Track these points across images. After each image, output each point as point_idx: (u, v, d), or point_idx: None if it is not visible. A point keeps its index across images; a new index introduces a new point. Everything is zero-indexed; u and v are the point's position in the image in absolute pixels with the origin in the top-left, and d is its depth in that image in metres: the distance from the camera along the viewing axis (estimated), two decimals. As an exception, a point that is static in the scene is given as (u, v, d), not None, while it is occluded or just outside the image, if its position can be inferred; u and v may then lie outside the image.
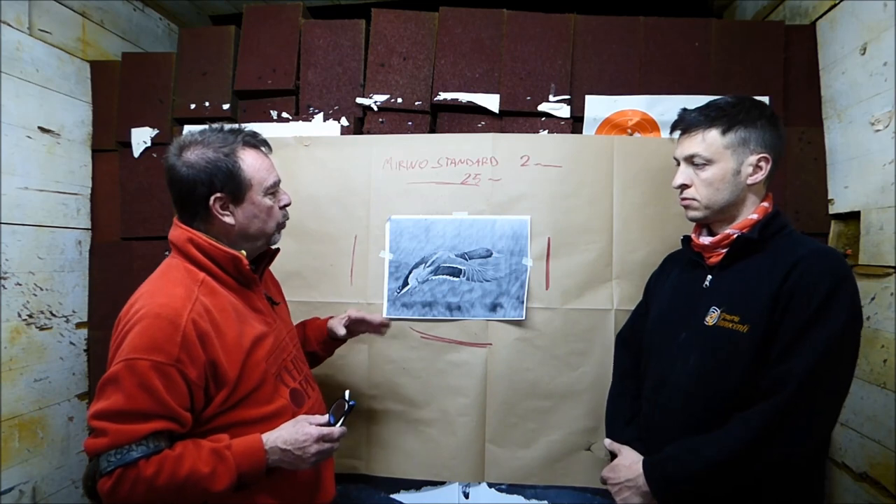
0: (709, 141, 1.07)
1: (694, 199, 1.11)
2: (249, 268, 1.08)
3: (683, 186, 1.12)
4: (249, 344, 1.04)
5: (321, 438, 1.02)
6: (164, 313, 0.95)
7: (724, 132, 1.06)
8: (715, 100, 1.10)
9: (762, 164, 1.06)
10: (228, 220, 1.06)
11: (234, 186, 1.05)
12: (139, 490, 0.90)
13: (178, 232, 1.07)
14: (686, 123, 1.11)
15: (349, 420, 1.11)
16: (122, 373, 0.91)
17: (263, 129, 1.70)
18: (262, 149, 1.12)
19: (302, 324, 1.44)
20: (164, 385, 0.91)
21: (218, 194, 1.04)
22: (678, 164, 1.14)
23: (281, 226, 1.16)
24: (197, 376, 0.95)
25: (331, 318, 1.42)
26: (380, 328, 1.42)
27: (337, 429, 1.06)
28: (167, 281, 1.02)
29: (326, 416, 1.07)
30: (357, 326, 1.40)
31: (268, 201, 1.10)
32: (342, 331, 1.37)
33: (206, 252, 1.04)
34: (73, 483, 1.79)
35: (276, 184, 1.12)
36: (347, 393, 1.13)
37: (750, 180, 1.06)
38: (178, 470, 0.91)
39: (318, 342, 1.39)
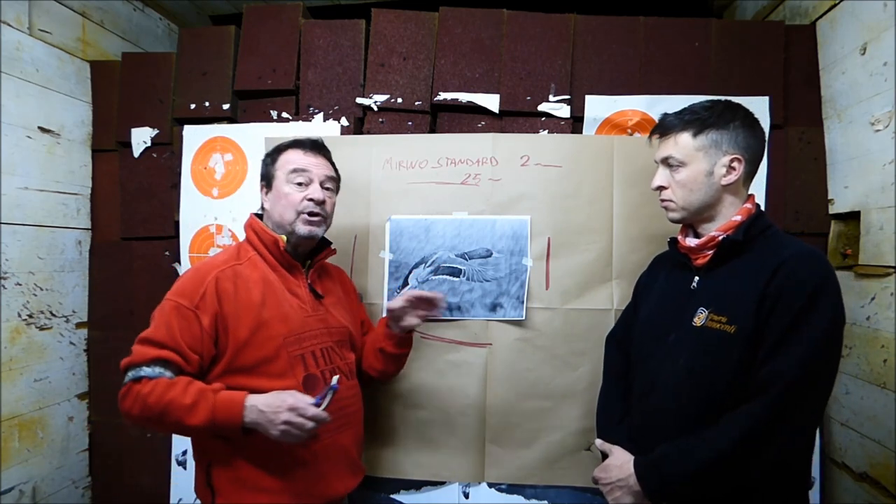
0: (681, 144, 1.10)
1: (671, 201, 1.14)
2: (290, 253, 1.24)
3: (661, 188, 1.15)
4: (267, 316, 1.15)
5: (294, 409, 1.04)
6: (200, 268, 1.18)
7: (695, 135, 1.09)
8: (693, 104, 1.13)
9: (735, 164, 1.07)
10: (266, 204, 1.27)
11: (267, 175, 1.27)
12: (137, 405, 1.06)
13: (247, 219, 1.28)
14: (663, 127, 1.14)
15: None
16: (158, 309, 1.14)
17: (263, 129, 1.72)
18: (303, 148, 1.27)
19: (379, 323, 1.41)
20: (179, 324, 1.10)
21: (262, 182, 1.28)
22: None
23: (301, 215, 1.22)
24: (208, 324, 1.11)
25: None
26: (430, 304, 1.30)
27: (312, 408, 1.05)
28: (221, 252, 1.26)
29: (313, 398, 1.08)
30: (406, 312, 1.31)
31: (287, 188, 1.23)
32: (398, 303, 1.28)
33: (257, 233, 1.24)
34: (73, 483, 1.79)
35: (296, 170, 1.23)
36: (336, 379, 1.12)
37: (724, 181, 1.08)
38: (165, 394, 1.05)
39: (385, 336, 1.35)
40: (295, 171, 1.23)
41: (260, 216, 1.30)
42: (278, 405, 1.05)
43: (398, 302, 1.29)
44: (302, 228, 1.23)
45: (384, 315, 1.38)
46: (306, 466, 1.17)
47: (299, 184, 1.23)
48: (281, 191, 1.23)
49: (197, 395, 1.06)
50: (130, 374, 1.08)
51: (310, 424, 1.06)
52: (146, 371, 1.07)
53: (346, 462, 1.26)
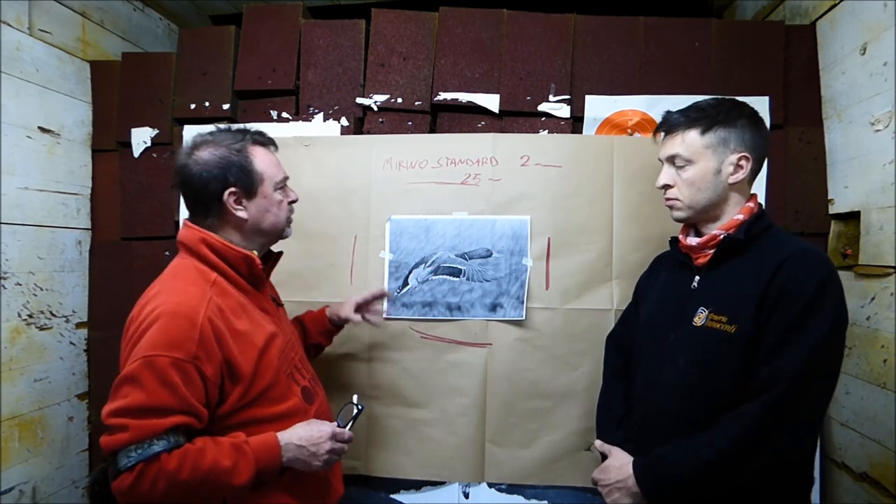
0: (688, 141, 1.09)
1: (677, 199, 1.12)
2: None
3: (666, 186, 1.14)
4: (263, 343, 1.06)
5: (335, 437, 1.05)
6: (181, 311, 0.96)
7: (703, 132, 1.08)
8: (697, 101, 1.12)
9: (742, 163, 1.07)
10: (242, 214, 1.08)
11: (246, 181, 1.08)
12: (160, 485, 0.90)
13: (190, 232, 1.08)
14: (668, 125, 1.13)
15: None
16: (141, 370, 0.92)
17: (263, 129, 1.71)
18: (270, 147, 1.16)
19: (297, 319, 1.46)
20: (183, 381, 0.93)
21: (232, 189, 1.06)
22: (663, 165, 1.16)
23: (289, 220, 1.20)
24: (213, 373, 0.97)
25: (326, 307, 1.46)
26: (379, 301, 1.47)
27: (347, 431, 1.09)
28: (181, 280, 1.04)
29: (335, 422, 1.10)
30: (360, 310, 1.45)
31: (278, 196, 1.14)
32: (353, 315, 1.42)
33: (220, 252, 1.06)
34: (73, 483, 1.79)
35: (285, 179, 1.17)
36: (356, 397, 1.16)
37: (731, 179, 1.07)
38: (200, 463, 0.92)
39: (320, 332, 1.44)
40: (284, 179, 1.16)
41: (196, 223, 1.11)
42: (318, 436, 1.03)
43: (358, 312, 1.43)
44: (289, 231, 1.21)
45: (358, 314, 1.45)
46: (320, 479, 1.15)
47: (283, 188, 1.16)
48: (273, 198, 1.12)
49: (234, 452, 0.96)
50: (136, 455, 0.89)
51: (347, 447, 1.08)
52: (160, 445, 0.90)
53: (338, 469, 1.27)
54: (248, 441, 0.99)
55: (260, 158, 1.11)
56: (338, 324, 1.45)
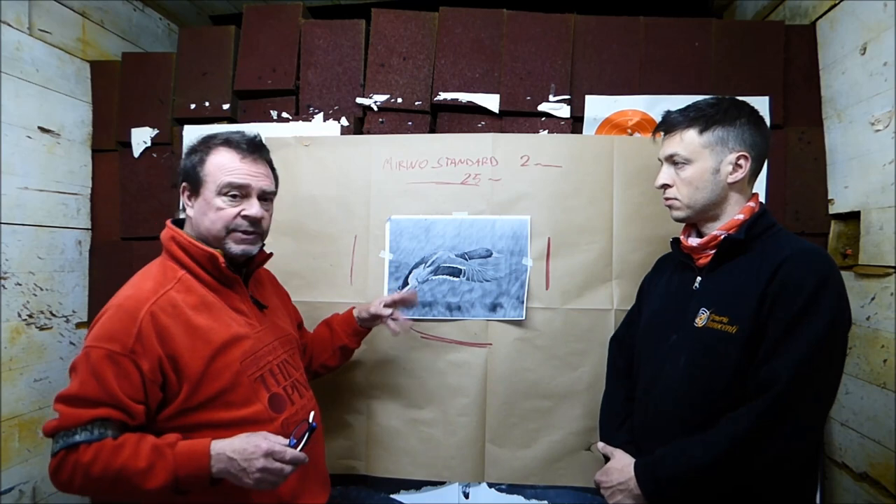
0: (687, 140, 1.09)
1: (676, 199, 1.12)
2: (229, 268, 1.09)
3: (665, 186, 1.13)
4: (220, 342, 1.03)
5: (270, 454, 0.94)
6: (125, 304, 0.99)
7: (701, 131, 1.08)
8: (697, 101, 1.12)
9: (741, 162, 1.07)
10: (189, 211, 1.11)
11: (192, 178, 1.10)
12: (77, 476, 0.92)
13: (165, 231, 1.12)
14: (667, 124, 1.13)
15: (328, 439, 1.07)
16: (80, 360, 0.96)
17: (263, 129, 1.71)
18: (239, 151, 1.09)
19: (325, 322, 1.47)
20: (115, 374, 0.94)
21: (184, 183, 1.11)
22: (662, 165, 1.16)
23: (232, 233, 1.09)
24: (150, 370, 0.96)
25: (353, 308, 1.44)
26: (407, 303, 1.42)
27: (290, 450, 0.97)
28: (142, 276, 1.08)
29: (287, 439, 0.99)
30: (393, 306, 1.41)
31: (219, 202, 1.07)
32: (384, 309, 1.36)
33: (185, 249, 1.08)
34: (73, 483, 1.79)
35: (233, 185, 1.07)
36: (312, 415, 1.07)
37: (730, 179, 1.07)
38: (113, 460, 0.91)
39: (348, 334, 1.41)
40: (230, 185, 1.07)
41: (178, 222, 1.14)
42: (251, 451, 0.93)
43: (389, 307, 1.38)
44: (234, 248, 1.09)
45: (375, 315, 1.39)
46: (256, 496, 1.04)
47: (234, 196, 1.08)
48: (211, 202, 1.06)
49: (152, 455, 0.92)
50: (61, 442, 0.92)
51: (288, 468, 0.96)
52: (83, 436, 0.91)
53: (318, 477, 1.20)
54: (176, 445, 0.94)
55: (214, 159, 1.08)
56: (366, 324, 1.41)
